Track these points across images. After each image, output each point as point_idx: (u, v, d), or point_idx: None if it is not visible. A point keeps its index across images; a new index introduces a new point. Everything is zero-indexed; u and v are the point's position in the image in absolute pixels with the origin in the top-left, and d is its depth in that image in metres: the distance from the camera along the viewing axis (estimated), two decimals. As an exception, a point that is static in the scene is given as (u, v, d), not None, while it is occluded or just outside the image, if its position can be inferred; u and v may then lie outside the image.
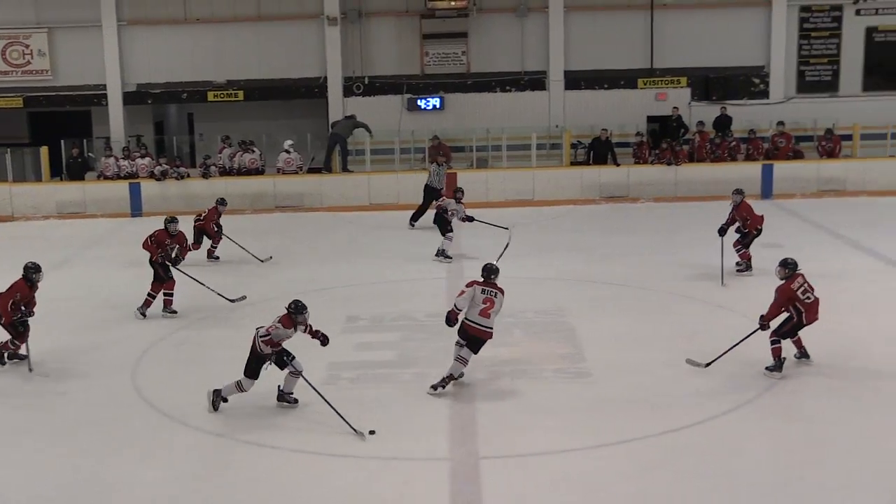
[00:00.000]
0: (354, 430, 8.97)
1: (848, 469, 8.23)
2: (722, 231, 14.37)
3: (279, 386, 9.72)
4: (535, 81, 23.96)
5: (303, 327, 9.54)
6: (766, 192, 21.27)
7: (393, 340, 11.95)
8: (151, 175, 21.68)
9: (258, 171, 22.07)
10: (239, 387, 9.60)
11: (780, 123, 22.32)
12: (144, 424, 9.57)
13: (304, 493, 8.07)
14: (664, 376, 10.48)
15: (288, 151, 21.82)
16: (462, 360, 10.11)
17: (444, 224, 16.00)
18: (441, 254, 15.96)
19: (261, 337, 9.44)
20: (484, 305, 10.01)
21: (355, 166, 22.51)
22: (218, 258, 16.33)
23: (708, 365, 10.46)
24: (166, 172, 21.57)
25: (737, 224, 14.51)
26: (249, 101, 24.12)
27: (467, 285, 10.13)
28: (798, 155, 22.24)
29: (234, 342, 10.92)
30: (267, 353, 9.47)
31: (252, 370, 9.56)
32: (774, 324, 10.38)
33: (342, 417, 9.06)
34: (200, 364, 11.24)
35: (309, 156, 22.90)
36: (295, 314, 9.46)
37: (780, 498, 7.74)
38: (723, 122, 22.81)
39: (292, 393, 9.75)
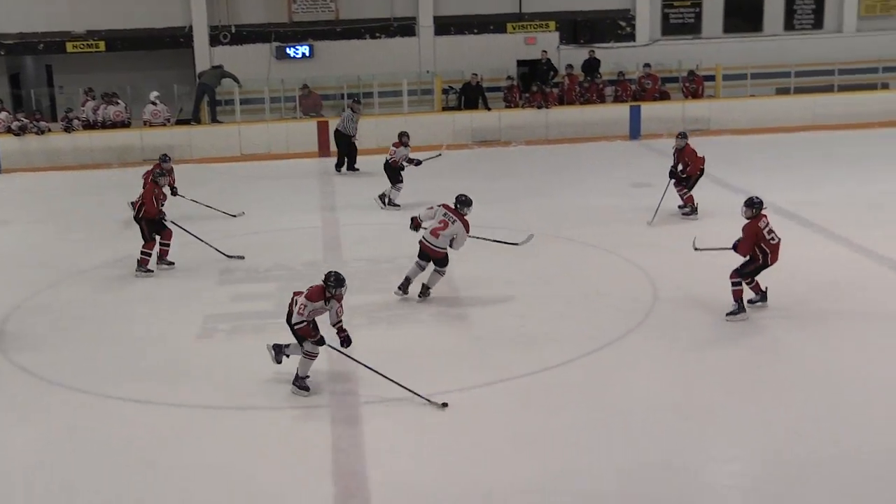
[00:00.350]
0: (428, 400, 8.45)
1: (734, 400, 8.57)
2: (672, 174, 14.54)
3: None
4: (405, 27, 23.84)
5: (337, 305, 8.64)
6: (634, 132, 21.75)
7: (270, 291, 11.84)
8: (9, 130, 20.81)
9: (124, 124, 21.42)
10: (304, 350, 8.71)
11: (647, 66, 22.77)
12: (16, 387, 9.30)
13: (185, 447, 7.96)
14: (541, 314, 10.69)
15: (154, 103, 21.24)
16: (417, 264, 11.07)
17: (395, 174, 15.81)
18: (386, 200, 15.76)
19: (295, 325, 8.57)
20: (438, 226, 10.87)
21: (225, 117, 22.09)
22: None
23: (697, 249, 10.78)
24: (25, 127, 20.73)
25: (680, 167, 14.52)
26: (112, 52, 23.31)
27: (439, 205, 11.04)
28: (664, 96, 22.77)
29: (98, 302, 10.68)
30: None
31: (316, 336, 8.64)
32: (725, 262, 10.37)
33: (409, 390, 8.52)
34: (69, 325, 10.95)
35: (176, 107, 22.35)
36: (335, 287, 8.54)
37: (661, 429, 7.99)
38: (591, 65, 23.14)
39: (308, 377, 8.80)
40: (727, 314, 10.28)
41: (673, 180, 14.63)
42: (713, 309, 10.59)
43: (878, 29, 24.76)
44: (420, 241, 11.05)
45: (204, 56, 23.05)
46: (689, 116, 22.17)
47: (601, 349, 9.64)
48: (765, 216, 10.21)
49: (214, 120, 21.82)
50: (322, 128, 20.70)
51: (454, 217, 10.87)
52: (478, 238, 11.58)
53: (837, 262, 12.28)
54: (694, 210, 14.69)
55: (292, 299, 8.69)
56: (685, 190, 14.73)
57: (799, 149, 20.07)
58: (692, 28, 24.84)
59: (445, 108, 22.65)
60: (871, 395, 8.45)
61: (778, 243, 10.22)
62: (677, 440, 7.78)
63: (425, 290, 11.19)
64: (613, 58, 23.45)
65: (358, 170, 19.08)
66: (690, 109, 22.29)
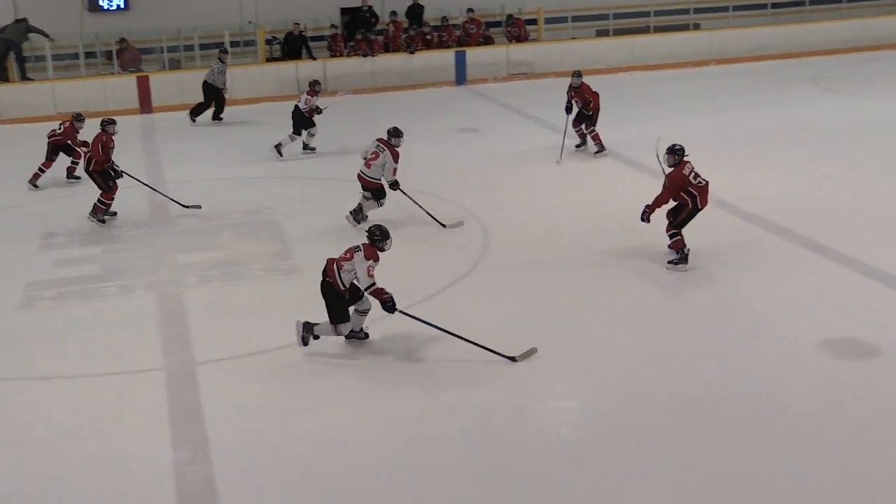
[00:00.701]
0: (505, 356, 8.22)
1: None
2: (568, 109, 14.73)
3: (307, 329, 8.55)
4: (224, -23, 23.13)
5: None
6: (461, 78, 21.87)
7: (95, 254, 11.45)
8: None
9: (-78, 86, 20.14)
10: (337, 331, 8.48)
11: (470, 10, 22.85)
12: None
13: (18, 420, 7.66)
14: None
15: (-46, 62, 20.02)
16: (364, 197, 11.76)
17: (307, 122, 15.63)
18: (311, 146, 15.74)
19: (367, 289, 8.15)
20: (369, 157, 11.56)
21: (36, 74, 20.98)
22: (79, 178, 14.52)
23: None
24: None
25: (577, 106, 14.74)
26: None
27: (376, 139, 11.68)
28: (488, 41, 22.95)
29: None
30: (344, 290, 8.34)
31: (341, 312, 8.41)
32: (657, 216, 10.22)
33: (487, 348, 8.25)
34: None
35: (-22, 66, 21.10)
36: (381, 240, 8.29)
37: (502, 369, 8.17)
38: (415, 12, 23.07)
39: (362, 329, 8.64)
40: (668, 262, 10.21)
41: (571, 118, 14.86)
42: (544, 246, 10.85)
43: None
44: (357, 174, 11.67)
45: (6, 8, 21.74)
46: (514, 60, 22.44)
47: (438, 293, 9.75)
48: (688, 162, 10.01)
49: (24, 77, 20.72)
50: (142, 83, 19.95)
51: (384, 147, 11.52)
52: (412, 200, 11.85)
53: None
54: (602, 147, 14.88)
55: (331, 267, 8.30)
56: (592, 128, 14.93)
57: (620, 89, 20.61)
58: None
59: (269, 59, 22.19)
60: (734, 338, 8.85)
61: (706, 185, 10.05)
62: (521, 382, 7.97)
63: (357, 214, 11.76)
64: (437, 3, 23.41)
65: (222, 119, 18.76)
66: (514, 53, 22.56)
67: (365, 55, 21.63)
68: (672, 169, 10.01)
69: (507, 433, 7.19)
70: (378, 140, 11.70)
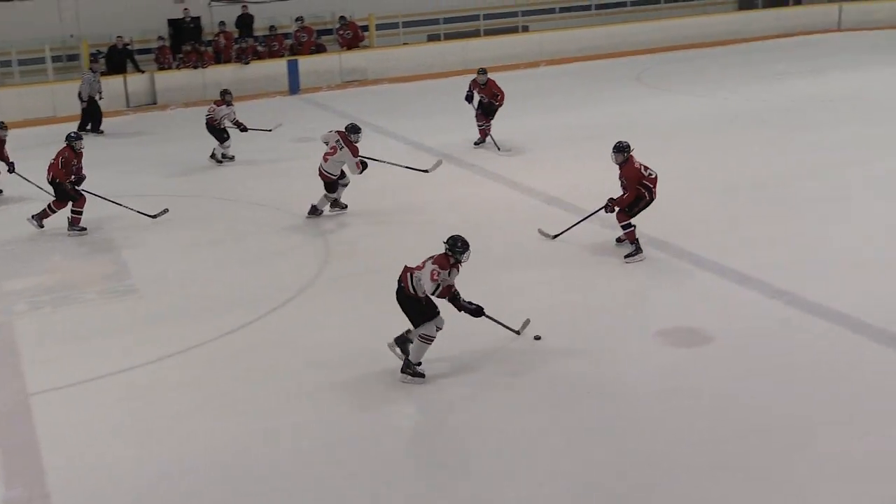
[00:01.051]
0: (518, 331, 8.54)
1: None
2: (469, 98, 15.33)
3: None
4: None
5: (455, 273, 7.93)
6: (294, 87, 21.66)
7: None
8: None
9: None
10: (425, 339, 7.93)
11: (299, 19, 22.68)
12: None
13: None
14: (219, 280, 10.50)
15: None
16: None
17: (218, 133, 15.17)
18: (220, 157, 15.35)
19: (432, 294, 7.77)
20: (329, 151, 11.89)
21: None
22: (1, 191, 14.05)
23: (556, 237, 10.88)
24: None
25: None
26: None
27: (336, 131, 11.97)
28: (320, 49, 22.82)
29: None
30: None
31: (423, 314, 7.89)
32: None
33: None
34: None
35: None
36: (462, 251, 7.78)
37: (357, 377, 8.10)
38: (245, 21, 22.74)
39: (420, 364, 8.01)
40: (626, 256, 10.37)
41: (479, 112, 15.33)
42: (381, 252, 10.84)
43: (515, -26, 26.11)
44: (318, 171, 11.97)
45: None
46: (347, 67, 22.39)
47: (282, 306, 9.61)
48: (632, 155, 10.33)
49: None
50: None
51: (343, 143, 11.75)
52: (385, 162, 12.44)
53: (499, 198, 12.94)
54: (483, 142, 15.53)
55: (405, 274, 7.91)
56: (489, 123, 15.39)
57: (455, 93, 20.77)
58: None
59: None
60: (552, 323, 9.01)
61: (656, 177, 10.35)
62: (376, 389, 7.93)
63: (314, 210, 12.13)
64: (267, 12, 23.15)
65: (102, 132, 18.22)
66: (348, 60, 22.52)
67: (195, 67, 21.17)
68: (625, 166, 10.31)
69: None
70: (338, 133, 11.90)
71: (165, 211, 12.51)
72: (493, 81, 15.35)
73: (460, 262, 7.83)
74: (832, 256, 10.29)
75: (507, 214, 12.26)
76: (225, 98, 15.23)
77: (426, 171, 12.79)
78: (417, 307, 7.90)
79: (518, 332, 8.58)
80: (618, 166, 10.40)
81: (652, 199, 10.39)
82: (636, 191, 10.30)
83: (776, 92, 19.31)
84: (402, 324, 8.06)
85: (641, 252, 10.39)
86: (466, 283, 8.17)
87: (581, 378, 7.95)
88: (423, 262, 7.89)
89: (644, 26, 25.52)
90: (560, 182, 13.38)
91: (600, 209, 10.53)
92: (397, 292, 7.98)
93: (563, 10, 25.96)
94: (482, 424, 7.32)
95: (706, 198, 12.49)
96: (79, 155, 12.06)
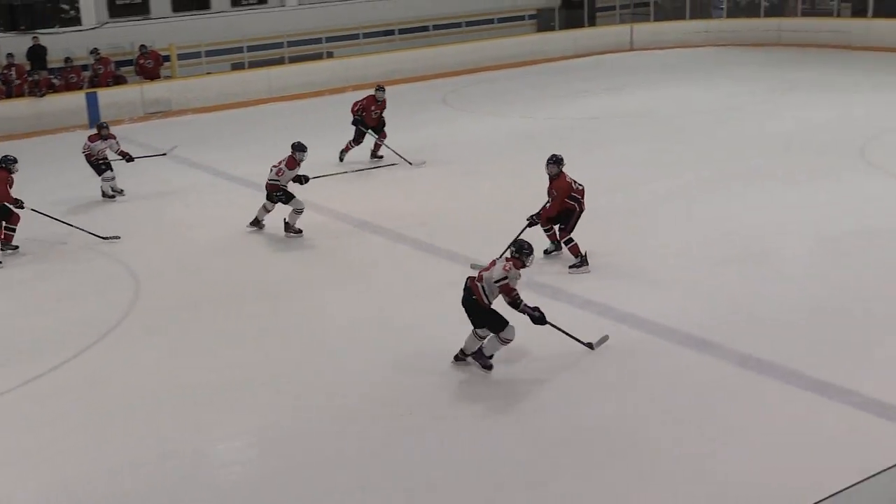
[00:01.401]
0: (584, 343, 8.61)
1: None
2: (358, 122, 15.78)
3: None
4: None
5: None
6: (94, 120, 20.84)
7: None
8: None
9: None
10: (502, 340, 8.29)
11: (94, 51, 21.96)
12: None
13: None
14: (20, 326, 10.05)
15: None
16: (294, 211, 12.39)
17: (97, 167, 14.54)
18: (110, 192, 14.82)
19: (496, 282, 8.08)
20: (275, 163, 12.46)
21: None
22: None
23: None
24: None
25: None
26: None
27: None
28: (120, 80, 22.17)
29: None
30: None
31: (497, 321, 8.22)
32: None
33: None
34: None
35: None
36: (528, 254, 8.25)
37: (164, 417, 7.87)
38: (37, 53, 21.85)
39: (492, 356, 8.41)
40: (570, 267, 10.66)
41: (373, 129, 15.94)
42: (192, 286, 10.64)
43: (318, 1, 26.09)
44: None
45: None
46: (150, 98, 21.84)
47: (88, 349, 9.28)
48: (563, 170, 10.63)
49: None
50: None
51: (285, 159, 12.37)
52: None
53: (311, 223, 12.90)
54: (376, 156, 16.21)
55: (473, 283, 8.23)
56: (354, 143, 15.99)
57: (262, 122, 20.64)
58: (140, 9, 24.35)
59: None
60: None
61: (583, 189, 10.65)
62: (182, 427, 7.74)
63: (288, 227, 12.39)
64: (61, 44, 22.32)
65: None
66: (150, 91, 21.96)
67: (-17, 101, 20.18)
68: (556, 178, 10.59)
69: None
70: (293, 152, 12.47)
71: (117, 238, 12.56)
72: (372, 98, 15.94)
73: (526, 265, 8.20)
74: (629, 268, 10.78)
75: (319, 239, 12.25)
76: (101, 132, 14.76)
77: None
78: (486, 316, 8.20)
79: (592, 347, 8.66)
80: (549, 178, 10.71)
81: (582, 210, 10.69)
82: (564, 203, 10.59)
83: (576, 110, 20.05)
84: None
85: (587, 265, 10.69)
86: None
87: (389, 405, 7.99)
88: (488, 267, 8.26)
89: (447, 49, 25.98)
90: (369, 206, 13.47)
91: (526, 227, 10.73)
92: (464, 300, 8.25)
93: (366, 35, 26.10)
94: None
95: (512, 214, 12.82)
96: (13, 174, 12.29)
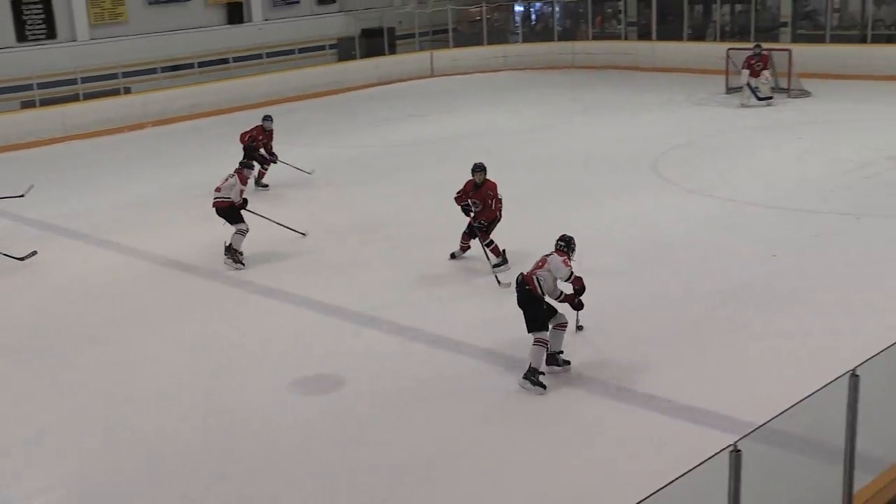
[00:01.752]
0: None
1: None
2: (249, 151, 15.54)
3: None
4: None
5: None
6: None
7: None
8: None
9: None
10: (562, 326, 8.63)
11: None
12: None
13: None
14: None
15: None
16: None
17: None
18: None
19: (568, 279, 8.42)
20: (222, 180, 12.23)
21: None
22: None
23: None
24: None
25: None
26: None
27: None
28: None
29: None
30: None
31: (539, 320, 8.38)
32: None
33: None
34: None
35: None
36: (574, 249, 8.61)
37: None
38: None
39: (562, 353, 8.69)
40: (493, 265, 11.06)
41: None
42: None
43: (109, 36, 25.20)
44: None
45: None
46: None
47: None
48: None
49: None
50: None
51: (234, 174, 12.17)
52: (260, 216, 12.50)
53: (114, 267, 12.47)
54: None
55: (529, 277, 8.39)
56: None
57: (56, 162, 19.78)
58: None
59: None
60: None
61: (501, 198, 11.25)
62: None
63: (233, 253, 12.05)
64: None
65: None
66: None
67: None
68: (490, 182, 11.15)
69: None
70: (236, 170, 12.30)
71: (34, 253, 12.54)
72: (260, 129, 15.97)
73: (572, 259, 8.54)
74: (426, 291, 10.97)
75: (117, 281, 11.94)
76: None
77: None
78: (541, 308, 8.38)
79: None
80: (475, 185, 11.14)
81: (499, 218, 11.29)
82: (493, 212, 11.18)
83: (380, 137, 20.19)
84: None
85: (507, 262, 11.18)
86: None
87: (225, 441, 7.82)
88: (541, 263, 8.42)
89: (247, 81, 25.65)
90: (182, 242, 13.17)
91: (476, 233, 11.20)
92: (521, 296, 8.41)
93: (165, 69, 25.44)
94: None
95: (325, 241, 12.87)
96: None
